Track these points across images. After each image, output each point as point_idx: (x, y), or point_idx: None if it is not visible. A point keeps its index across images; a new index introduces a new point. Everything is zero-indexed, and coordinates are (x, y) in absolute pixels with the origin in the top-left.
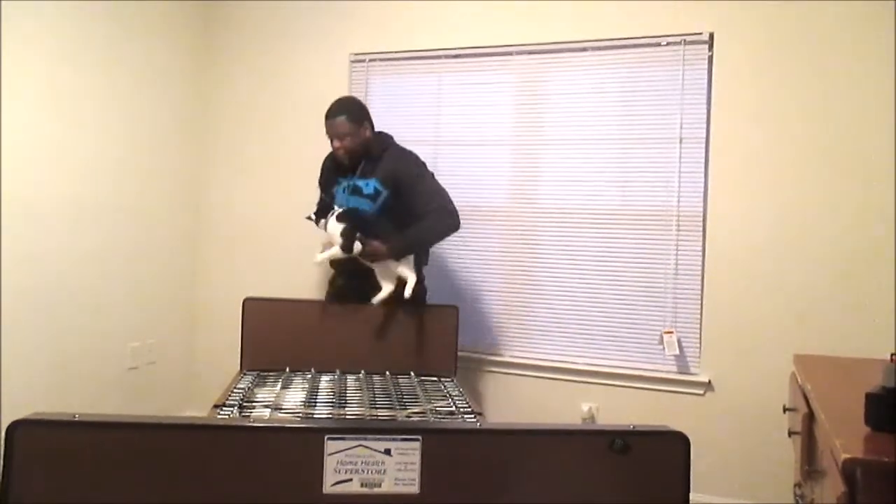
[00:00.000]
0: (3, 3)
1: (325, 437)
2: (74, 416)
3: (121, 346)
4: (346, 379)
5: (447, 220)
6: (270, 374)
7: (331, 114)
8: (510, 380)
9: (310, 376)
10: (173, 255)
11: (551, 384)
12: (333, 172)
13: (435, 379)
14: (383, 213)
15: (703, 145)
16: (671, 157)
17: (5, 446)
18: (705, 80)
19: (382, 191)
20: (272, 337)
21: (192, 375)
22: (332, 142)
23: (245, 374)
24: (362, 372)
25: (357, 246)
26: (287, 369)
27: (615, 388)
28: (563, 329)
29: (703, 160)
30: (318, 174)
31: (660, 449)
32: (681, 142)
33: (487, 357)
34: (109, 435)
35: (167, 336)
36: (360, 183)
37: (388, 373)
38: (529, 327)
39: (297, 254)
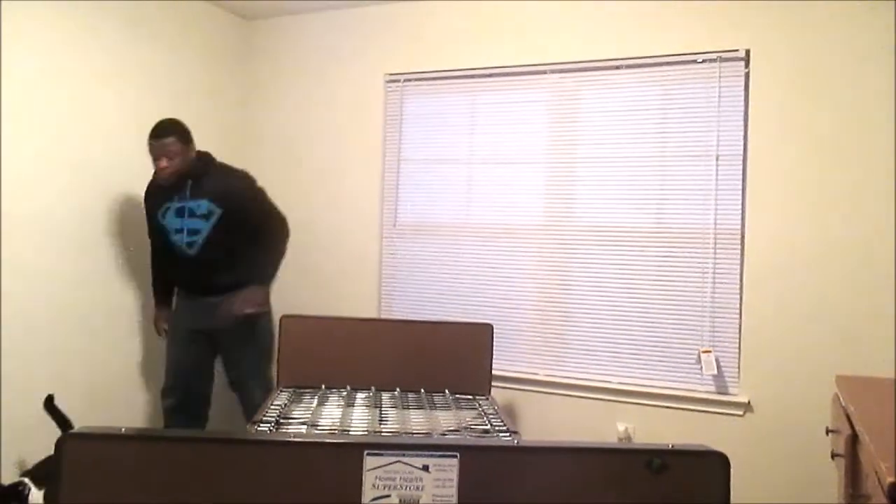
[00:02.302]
0: (7, 19)
1: (364, 453)
2: (121, 430)
3: (157, 366)
4: (381, 396)
5: (285, 236)
6: (307, 390)
7: (158, 134)
8: (545, 399)
9: (345, 393)
10: None
11: (587, 403)
12: (157, 197)
13: (470, 397)
14: (216, 231)
15: (741, 162)
16: (708, 174)
17: (56, 459)
18: (742, 97)
19: (216, 210)
20: (308, 354)
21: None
22: (157, 162)
23: (281, 391)
24: (397, 389)
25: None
26: (323, 386)
27: (652, 407)
28: (599, 348)
29: (740, 177)
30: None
31: (699, 469)
32: (717, 159)
33: (522, 376)
34: (154, 448)
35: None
36: (192, 204)
37: (423, 390)
38: (565, 346)
39: (338, 274)
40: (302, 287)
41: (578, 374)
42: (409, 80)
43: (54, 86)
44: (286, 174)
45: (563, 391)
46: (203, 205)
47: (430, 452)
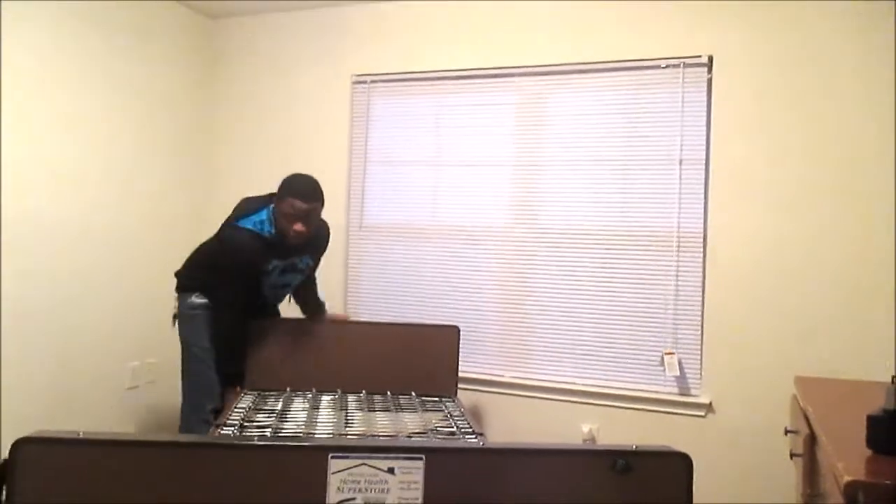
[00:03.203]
0: (3, 20)
1: (329, 456)
2: (79, 434)
3: (120, 366)
4: (347, 398)
5: None
6: (271, 393)
7: (307, 196)
8: (510, 401)
9: (311, 396)
10: (173, 276)
11: (551, 405)
12: (266, 254)
13: (436, 399)
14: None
15: (703, 167)
16: (671, 178)
17: (9, 463)
18: (705, 103)
19: (310, 262)
20: (273, 356)
21: None
22: (294, 223)
23: (246, 394)
24: (363, 391)
25: None
26: (288, 389)
27: (615, 409)
28: (564, 350)
29: (703, 182)
30: (238, 259)
31: (662, 469)
32: (681, 163)
33: (487, 377)
34: (113, 453)
35: (167, 356)
36: (299, 262)
37: (389, 392)
38: (529, 348)
39: None
40: None
41: (543, 376)
42: (376, 81)
43: (15, 87)
44: (251, 175)
45: (527, 393)
46: (305, 260)
47: (396, 455)
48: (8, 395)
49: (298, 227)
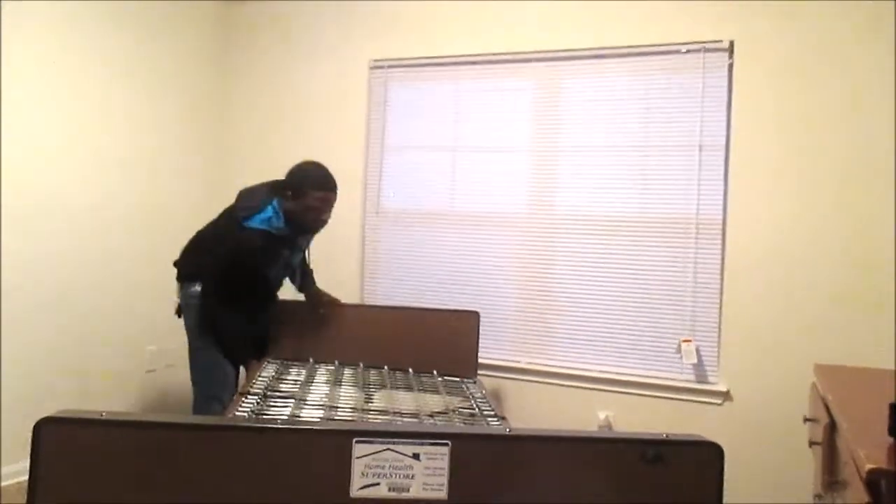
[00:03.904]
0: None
1: (353, 441)
2: (101, 414)
3: (139, 350)
4: (369, 373)
5: None
6: (294, 363)
7: (332, 186)
8: (526, 386)
9: (333, 368)
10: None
11: (568, 391)
12: (274, 248)
13: (457, 380)
14: None
15: (723, 153)
16: (690, 164)
17: (32, 443)
18: (725, 88)
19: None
20: (298, 328)
21: None
22: (318, 212)
23: (269, 363)
24: (385, 367)
25: None
26: (311, 360)
27: (632, 396)
28: (580, 336)
29: (723, 167)
30: (247, 260)
31: (693, 459)
32: (700, 149)
33: (503, 363)
34: (136, 434)
35: (185, 340)
36: (302, 244)
37: (410, 370)
38: (546, 334)
39: (320, 260)
40: None
41: (559, 362)
42: (394, 66)
43: (27, 66)
44: (267, 161)
45: (543, 379)
46: (306, 241)
47: (421, 440)
48: (29, 378)
49: (325, 215)
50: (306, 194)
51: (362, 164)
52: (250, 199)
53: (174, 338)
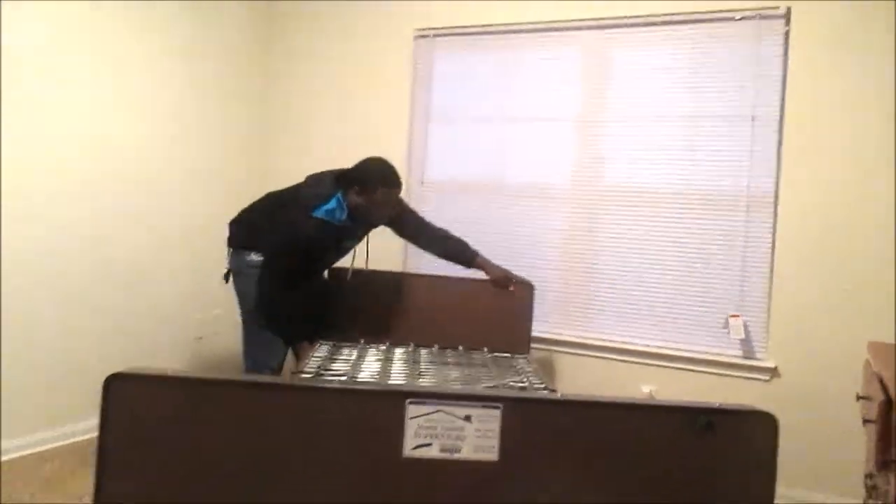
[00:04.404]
0: None
1: (406, 401)
2: (166, 372)
3: (186, 318)
4: (419, 352)
5: None
6: (345, 345)
7: (399, 183)
8: (569, 359)
9: (384, 349)
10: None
11: (612, 365)
12: (335, 239)
13: (508, 356)
14: None
15: (777, 124)
16: (742, 135)
17: (102, 398)
18: (780, 56)
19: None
20: (348, 309)
21: None
22: (384, 208)
23: (321, 344)
24: (436, 346)
25: None
26: (362, 341)
27: (677, 370)
28: (626, 310)
29: (776, 140)
30: (300, 244)
31: (746, 429)
32: (753, 120)
33: (547, 336)
34: (199, 392)
35: (232, 307)
36: (358, 230)
37: (461, 348)
38: (591, 307)
39: None
40: None
41: (603, 336)
42: (439, 36)
43: (71, 32)
44: (312, 132)
45: (587, 352)
46: (365, 229)
47: (473, 403)
48: (81, 344)
49: (386, 210)
50: (374, 191)
51: (406, 135)
52: (318, 188)
53: (221, 306)
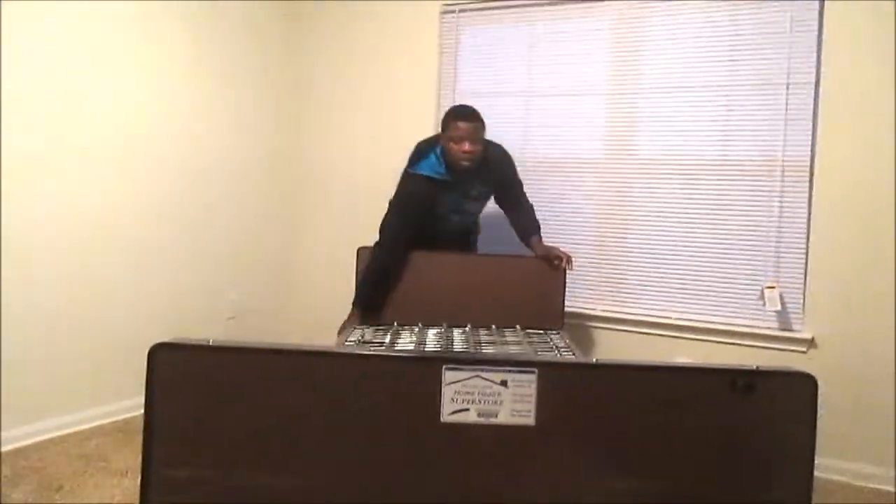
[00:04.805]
0: None
1: (444, 368)
2: (209, 341)
3: (220, 297)
4: (452, 332)
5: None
6: (379, 328)
7: (467, 116)
8: (604, 334)
9: (417, 330)
10: (272, 208)
11: (646, 339)
12: (440, 195)
13: (541, 332)
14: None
15: (813, 90)
16: (777, 103)
17: (147, 365)
18: (816, 21)
19: (488, 191)
20: (381, 293)
21: (288, 323)
22: (461, 143)
23: (355, 328)
24: (468, 325)
25: None
26: (395, 324)
27: (713, 343)
28: (659, 283)
29: (811, 106)
30: (406, 203)
31: (785, 391)
32: (788, 87)
33: (580, 311)
34: (241, 359)
35: (264, 287)
36: (473, 191)
37: (494, 326)
38: (624, 281)
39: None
40: (356, 225)
41: (637, 310)
42: (465, 10)
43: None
44: (338, 110)
45: (621, 327)
46: (478, 187)
47: (509, 368)
48: (121, 320)
49: (465, 146)
50: (446, 128)
51: (434, 111)
52: (419, 149)
53: (254, 285)
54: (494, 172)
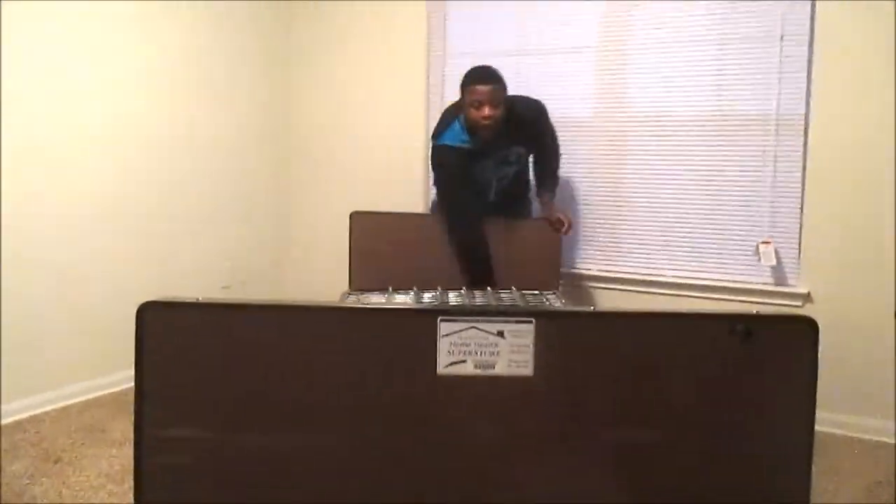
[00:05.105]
0: None
1: (439, 319)
2: (197, 299)
3: (214, 266)
4: (447, 294)
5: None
6: (373, 292)
7: (484, 78)
8: (599, 293)
9: (412, 294)
10: (265, 177)
11: (643, 297)
12: (470, 162)
13: (537, 293)
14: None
15: (807, 44)
16: (770, 56)
17: (136, 325)
18: None
19: (523, 152)
20: (376, 254)
21: (284, 292)
22: (481, 108)
23: (350, 294)
24: (463, 288)
25: None
26: (390, 288)
27: (708, 300)
28: (654, 241)
29: (805, 59)
30: (442, 175)
31: (786, 336)
32: (781, 39)
33: (575, 271)
34: (231, 316)
35: (259, 256)
36: (505, 153)
37: (489, 289)
38: (619, 239)
39: (386, 175)
40: (349, 192)
41: (632, 268)
42: None
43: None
44: (336, 78)
45: (617, 286)
46: (514, 151)
47: (506, 318)
48: (113, 290)
49: (485, 111)
50: (464, 92)
51: (423, 72)
52: (443, 119)
53: (248, 254)
54: (523, 130)
